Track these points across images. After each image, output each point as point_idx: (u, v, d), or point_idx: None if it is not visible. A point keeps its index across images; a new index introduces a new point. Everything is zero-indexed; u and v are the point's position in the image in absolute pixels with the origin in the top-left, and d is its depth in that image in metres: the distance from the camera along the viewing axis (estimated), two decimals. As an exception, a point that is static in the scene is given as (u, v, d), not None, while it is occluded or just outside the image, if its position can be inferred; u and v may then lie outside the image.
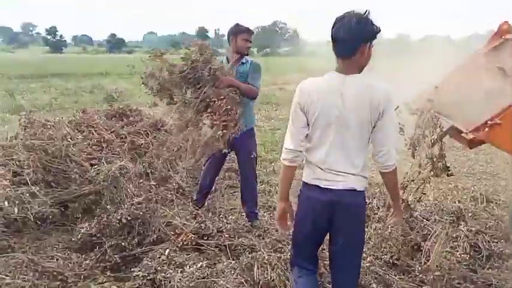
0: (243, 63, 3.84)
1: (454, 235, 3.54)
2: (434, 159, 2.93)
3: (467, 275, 3.01)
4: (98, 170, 4.06)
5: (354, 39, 1.97)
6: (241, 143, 3.77)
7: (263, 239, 3.64)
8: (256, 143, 4.07)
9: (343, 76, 2.03)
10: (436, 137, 3.23)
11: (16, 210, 3.51)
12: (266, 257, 3.07)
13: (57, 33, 78.93)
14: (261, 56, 54.07)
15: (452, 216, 3.44)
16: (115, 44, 74.94)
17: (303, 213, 2.27)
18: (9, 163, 3.94)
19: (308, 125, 2.13)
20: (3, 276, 2.83)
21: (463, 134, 3.02)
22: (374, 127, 2.07)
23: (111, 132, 4.77)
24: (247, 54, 3.87)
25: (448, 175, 3.02)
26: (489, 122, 2.62)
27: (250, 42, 3.84)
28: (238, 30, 3.81)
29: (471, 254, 3.39)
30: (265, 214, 4.40)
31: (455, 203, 4.81)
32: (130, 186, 3.81)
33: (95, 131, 4.68)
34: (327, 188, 2.14)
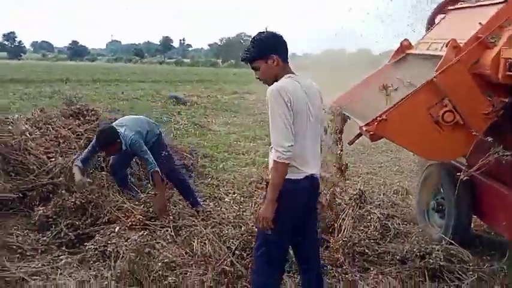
0: None
1: (369, 217, 4.17)
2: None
3: (371, 245, 3.60)
4: (55, 162, 4.44)
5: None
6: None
7: (206, 221, 4.12)
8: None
9: (296, 76, 2.44)
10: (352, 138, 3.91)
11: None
12: (204, 232, 3.56)
13: (15, 39, 76.61)
14: (226, 67, 54.66)
15: (356, 197, 4.06)
16: (77, 51, 73.53)
17: (290, 203, 2.41)
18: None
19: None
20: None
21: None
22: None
23: (68, 129, 5.12)
24: None
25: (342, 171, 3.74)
26: (378, 118, 3.24)
27: None
28: None
29: (381, 231, 4.01)
30: (210, 204, 4.88)
31: (380, 195, 5.49)
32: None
33: (52, 128, 5.03)
34: (309, 175, 2.44)
